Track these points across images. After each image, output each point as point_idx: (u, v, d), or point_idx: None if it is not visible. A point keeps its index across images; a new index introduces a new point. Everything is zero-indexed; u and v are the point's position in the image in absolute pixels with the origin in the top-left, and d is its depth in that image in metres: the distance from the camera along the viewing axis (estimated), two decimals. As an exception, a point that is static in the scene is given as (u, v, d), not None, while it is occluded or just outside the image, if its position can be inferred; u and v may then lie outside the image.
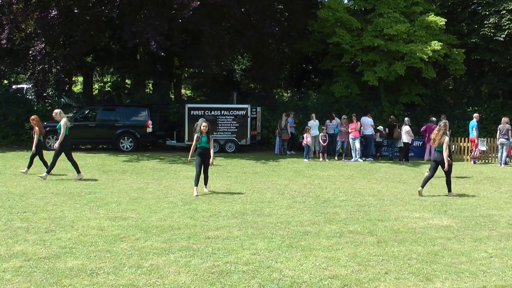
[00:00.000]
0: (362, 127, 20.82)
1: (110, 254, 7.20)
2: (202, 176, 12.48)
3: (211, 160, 12.46)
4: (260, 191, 12.81)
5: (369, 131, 20.83)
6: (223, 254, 7.26)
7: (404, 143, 20.60)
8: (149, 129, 22.62)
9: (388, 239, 8.21)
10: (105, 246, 7.57)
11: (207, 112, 22.71)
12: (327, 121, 22.32)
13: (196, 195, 11.92)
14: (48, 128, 22.46)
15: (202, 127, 12.52)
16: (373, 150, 21.42)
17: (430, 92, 26.31)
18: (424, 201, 11.76)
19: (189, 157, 13.50)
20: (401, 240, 8.17)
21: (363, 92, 25.96)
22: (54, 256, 7.09)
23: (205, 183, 12.63)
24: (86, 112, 23.78)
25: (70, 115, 25.76)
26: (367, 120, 20.93)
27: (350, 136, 20.56)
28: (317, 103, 26.81)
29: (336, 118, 22.50)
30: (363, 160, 20.45)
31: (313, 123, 21.71)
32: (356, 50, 24.69)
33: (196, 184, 12.19)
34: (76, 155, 20.16)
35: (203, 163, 12.39)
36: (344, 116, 21.54)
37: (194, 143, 12.52)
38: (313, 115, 22.33)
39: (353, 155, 20.66)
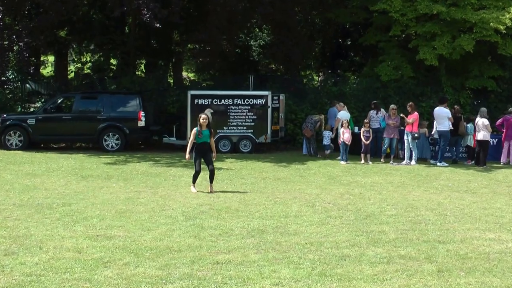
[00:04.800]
0: (436, 121, 20.51)
1: (91, 284, 7.18)
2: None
3: (213, 154, 14.06)
4: (284, 202, 12.75)
5: (446, 125, 20.39)
6: (236, 285, 7.22)
7: (479, 141, 20.21)
8: (141, 123, 22.67)
9: (452, 268, 8.11)
10: (83, 273, 7.56)
11: (215, 101, 22.69)
12: (371, 112, 22.18)
13: (195, 191, 13.73)
14: (8, 122, 22.55)
15: (201, 120, 13.81)
16: (419, 151, 21.04)
17: (509, 75, 25.99)
18: (501, 218, 11.61)
19: (187, 154, 14.24)
20: (470, 269, 8.07)
21: (418, 74, 25.73)
22: (16, 286, 7.09)
23: (211, 180, 13.98)
24: (59, 101, 23.89)
25: (38, 104, 25.95)
26: (443, 112, 20.46)
27: (405, 131, 20.39)
28: (358, 89, 26.66)
29: (382, 109, 22.39)
30: (438, 164, 20.09)
31: (346, 114, 21.82)
32: (409, 19, 24.48)
33: (194, 181, 14.02)
34: (47, 156, 20.40)
35: (204, 159, 13.89)
36: (392, 106, 21.36)
37: (191, 138, 13.97)
38: (341, 104, 22.31)
39: (406, 155, 20.50)
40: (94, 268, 7.77)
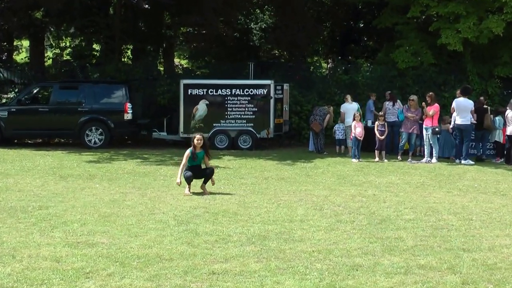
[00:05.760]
0: (457, 113, 20.46)
1: (70, 296, 7.18)
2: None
3: (212, 181, 13.99)
4: (288, 205, 12.73)
5: (468, 118, 20.35)
6: (234, 298, 7.21)
7: (510, 136, 20.21)
8: (128, 116, 22.66)
9: (479, 279, 8.07)
10: (62, 285, 7.54)
11: (211, 91, 22.69)
12: (387, 103, 22.16)
13: (189, 194, 13.60)
14: None
15: (195, 141, 13.68)
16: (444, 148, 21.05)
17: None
18: (532, 222, 11.60)
19: (179, 178, 13.89)
20: (499, 281, 8.02)
21: (440, 61, 25.72)
22: (-12, 299, 7.09)
23: (205, 181, 14.03)
24: (35, 91, 23.88)
25: (11, 95, 25.90)
26: (469, 103, 20.43)
27: (424, 125, 20.37)
28: (372, 77, 26.65)
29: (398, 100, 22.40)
30: (462, 162, 20.09)
31: (349, 106, 21.86)
32: (430, -1, 24.51)
33: (189, 183, 13.86)
34: (21, 154, 20.37)
35: (199, 177, 13.96)
36: (412, 97, 21.33)
37: (184, 161, 13.80)
38: (348, 96, 22.37)
39: (425, 152, 20.48)
40: (74, 279, 7.73)
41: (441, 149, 20.83)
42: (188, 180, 13.81)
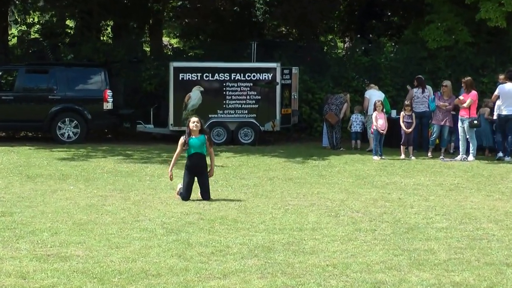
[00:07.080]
0: (502, 102, 20.38)
1: (39, 319, 7.20)
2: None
3: (210, 171, 13.94)
4: (298, 210, 12.76)
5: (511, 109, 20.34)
6: (233, 321, 7.24)
7: None
8: (108, 105, 22.66)
9: (524, 298, 8.09)
10: (30, 305, 7.56)
11: (206, 76, 22.67)
12: (415, 90, 22.12)
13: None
14: None
15: (191, 124, 13.39)
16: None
17: None
18: None
19: (170, 170, 13.86)
20: (549, 301, 8.05)
21: (479, 39, 25.69)
22: None
23: (204, 198, 13.70)
24: (-2, 76, 23.91)
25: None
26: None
27: (459, 116, 20.35)
28: (397, 59, 26.65)
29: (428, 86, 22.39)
30: (505, 159, 20.11)
31: (376, 92, 22.03)
32: (467, -35, 24.50)
33: (187, 199, 13.62)
34: (-19, 150, 20.39)
35: (198, 179, 13.69)
36: (445, 83, 21.31)
37: (178, 149, 13.58)
38: (372, 84, 22.46)
39: (460, 149, 20.46)
40: (44, 298, 7.77)
41: (478, 139, 20.73)
42: (186, 196, 13.61)
